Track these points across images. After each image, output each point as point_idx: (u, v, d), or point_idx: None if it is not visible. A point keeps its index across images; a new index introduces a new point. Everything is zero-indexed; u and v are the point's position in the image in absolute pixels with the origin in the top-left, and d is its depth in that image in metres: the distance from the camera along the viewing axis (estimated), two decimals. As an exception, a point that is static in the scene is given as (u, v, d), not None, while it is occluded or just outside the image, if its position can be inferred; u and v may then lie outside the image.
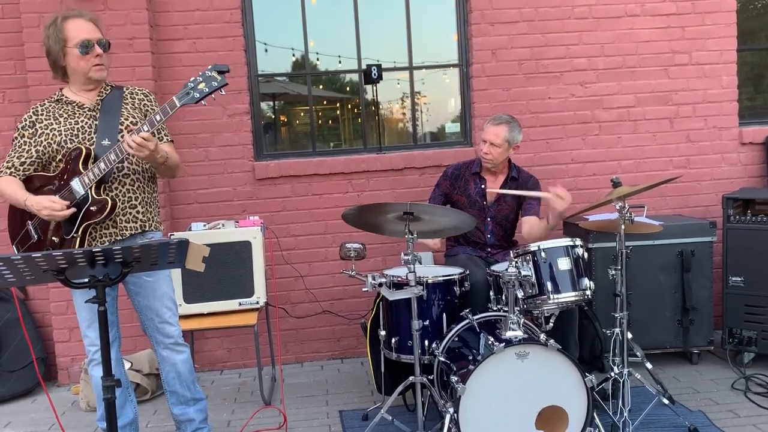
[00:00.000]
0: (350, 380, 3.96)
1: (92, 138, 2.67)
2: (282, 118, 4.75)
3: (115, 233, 2.71)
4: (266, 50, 4.41)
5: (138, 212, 2.75)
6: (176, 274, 3.48)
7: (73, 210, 2.58)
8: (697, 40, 4.40)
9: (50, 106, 2.73)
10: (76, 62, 2.66)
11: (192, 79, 2.59)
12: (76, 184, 2.60)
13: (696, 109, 4.43)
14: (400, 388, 3.00)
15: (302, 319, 4.30)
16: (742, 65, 4.59)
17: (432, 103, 4.63)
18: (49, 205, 2.54)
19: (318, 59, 4.52)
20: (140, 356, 3.89)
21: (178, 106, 2.56)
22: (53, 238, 2.65)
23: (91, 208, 2.61)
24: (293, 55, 4.49)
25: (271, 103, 4.73)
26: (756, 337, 3.70)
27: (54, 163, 2.69)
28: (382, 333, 3.21)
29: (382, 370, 3.31)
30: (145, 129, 2.55)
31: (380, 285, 2.91)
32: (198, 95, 2.55)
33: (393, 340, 3.14)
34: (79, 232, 2.63)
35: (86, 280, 2.07)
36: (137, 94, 2.84)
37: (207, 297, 3.56)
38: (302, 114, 4.59)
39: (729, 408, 3.30)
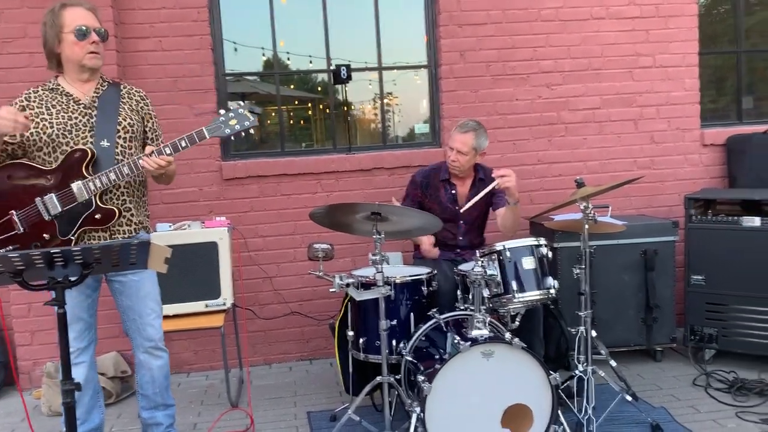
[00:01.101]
0: (319, 381, 3.95)
1: (86, 137, 2.62)
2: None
3: (107, 237, 2.68)
4: (236, 49, 4.38)
5: (132, 215, 2.75)
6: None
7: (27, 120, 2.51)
8: (660, 43, 4.49)
9: (44, 94, 2.67)
10: (70, 48, 2.62)
11: (223, 112, 2.65)
12: (78, 188, 2.57)
13: (660, 111, 4.52)
14: (367, 389, 2.99)
15: (270, 320, 4.27)
16: (705, 68, 4.70)
17: (404, 104, 4.64)
18: (5, 115, 2.44)
19: (289, 59, 4.50)
20: (104, 359, 3.83)
21: (207, 137, 2.62)
22: (44, 235, 2.59)
23: (96, 216, 2.61)
24: (263, 55, 4.46)
25: (241, 103, 4.68)
26: (716, 335, 3.79)
27: (40, 155, 2.62)
28: (350, 333, 3.20)
29: (350, 370, 3.30)
30: (168, 152, 2.59)
31: (347, 285, 2.91)
32: (228, 131, 2.62)
33: (361, 341, 3.13)
34: (75, 235, 2.60)
35: (45, 282, 2.03)
36: (134, 95, 2.81)
37: (173, 299, 3.50)
38: (273, 114, 4.56)
39: (690, 404, 3.36)
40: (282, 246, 4.26)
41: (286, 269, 4.27)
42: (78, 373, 2.68)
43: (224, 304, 3.60)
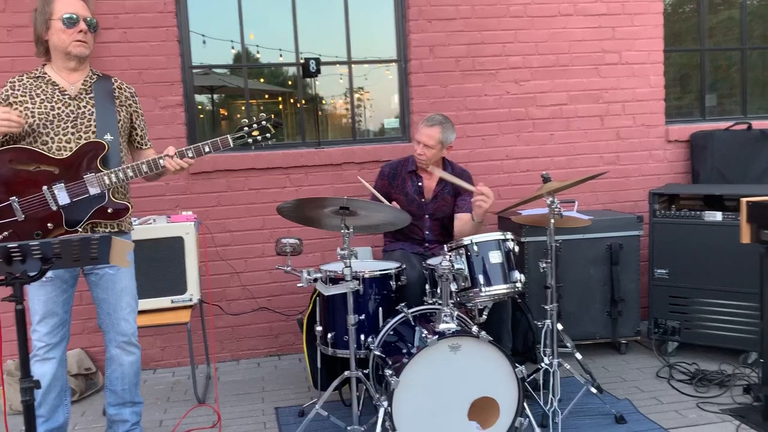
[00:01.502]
0: (287, 377, 3.93)
1: (67, 128, 2.59)
2: (222, 111, 4.66)
3: (114, 229, 2.70)
4: (204, 42, 4.32)
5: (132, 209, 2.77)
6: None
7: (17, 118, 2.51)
8: (626, 41, 4.55)
9: (28, 82, 2.62)
10: (57, 36, 2.58)
11: (247, 122, 2.72)
12: (91, 181, 2.56)
13: (625, 108, 4.59)
14: (335, 383, 2.99)
15: (238, 316, 4.24)
16: (671, 66, 4.78)
17: (375, 99, 4.63)
18: (6, 117, 2.45)
19: (258, 52, 4.45)
20: (68, 356, 3.72)
21: (231, 146, 2.69)
22: (48, 224, 2.55)
23: (108, 210, 2.61)
24: (232, 48, 4.41)
25: (210, 96, 4.64)
26: (679, 327, 3.87)
27: (22, 143, 2.57)
28: (319, 329, 3.19)
29: (319, 365, 3.29)
30: (190, 155, 2.65)
31: (315, 280, 2.90)
32: (251, 141, 2.72)
33: (329, 336, 3.12)
34: (82, 228, 2.59)
35: (2, 277, 1.98)
36: (125, 90, 2.80)
37: (138, 294, 3.44)
38: (243, 108, 4.52)
39: (653, 395, 3.43)
40: (250, 241, 4.22)
41: (255, 264, 4.23)
42: (46, 370, 2.63)
43: (191, 300, 3.56)
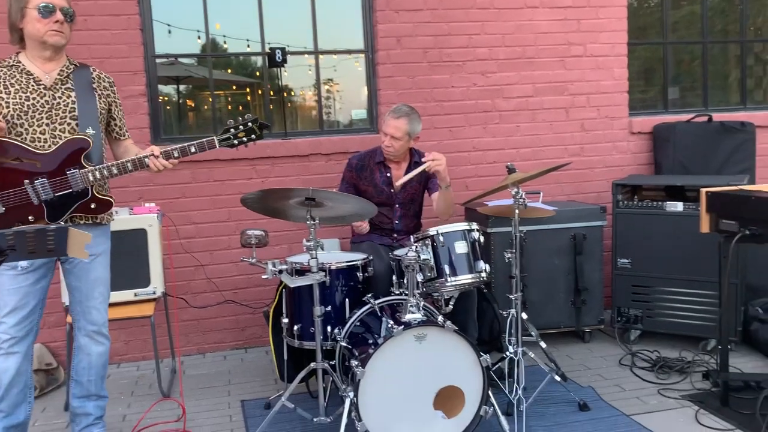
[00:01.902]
0: (254, 369, 3.90)
1: (41, 119, 2.55)
2: (189, 102, 4.59)
3: (97, 223, 2.69)
4: (170, 31, 4.24)
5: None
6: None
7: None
8: (591, 33, 4.60)
9: (2, 71, 2.57)
10: (32, 24, 2.53)
11: (233, 123, 2.69)
12: (75, 176, 2.53)
13: (590, 100, 4.64)
14: (301, 375, 2.97)
15: (204, 309, 4.19)
16: (636, 59, 4.85)
17: (345, 91, 4.61)
18: None
19: (225, 42, 4.39)
20: (27, 352, 3.66)
21: (217, 147, 2.68)
22: (29, 217, 2.50)
23: (91, 205, 2.59)
24: (198, 38, 4.33)
25: (176, 86, 4.56)
26: (642, 315, 3.94)
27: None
28: (285, 321, 3.17)
29: (285, 358, 3.28)
30: (176, 155, 2.65)
31: (281, 272, 2.88)
32: (237, 143, 2.71)
33: (295, 328, 3.11)
34: (64, 221, 2.55)
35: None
36: (104, 80, 2.76)
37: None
38: (211, 98, 4.45)
39: (616, 383, 3.49)
40: (215, 233, 4.17)
41: (220, 257, 4.19)
42: (10, 364, 2.57)
43: (154, 293, 3.51)
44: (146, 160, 2.61)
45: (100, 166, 2.57)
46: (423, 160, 3.33)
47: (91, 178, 2.55)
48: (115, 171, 2.58)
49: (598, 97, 4.64)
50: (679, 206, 3.81)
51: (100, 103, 2.70)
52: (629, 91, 4.73)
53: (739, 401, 3.09)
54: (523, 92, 4.53)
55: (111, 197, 2.68)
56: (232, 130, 2.70)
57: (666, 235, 3.82)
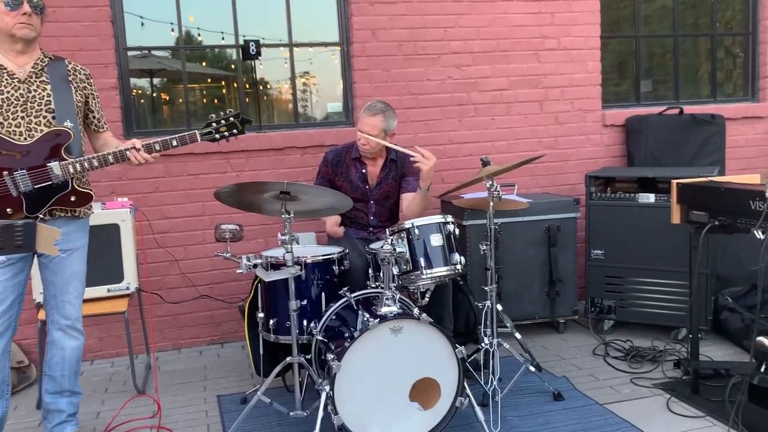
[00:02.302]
0: (230, 365, 3.89)
1: (17, 112, 2.51)
2: (164, 95, 4.53)
3: (76, 216, 2.68)
4: (142, 24, 4.18)
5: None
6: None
7: None
8: (564, 26, 4.63)
9: None
10: (0, 18, 2.49)
11: (215, 117, 2.69)
12: (55, 169, 2.50)
13: (564, 93, 4.68)
14: (277, 370, 2.97)
15: (179, 304, 4.16)
16: (609, 53, 4.90)
17: (321, 84, 4.58)
18: None
19: (199, 35, 4.34)
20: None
21: (199, 141, 2.68)
22: (7, 209, 2.48)
23: (71, 198, 2.58)
24: (172, 31, 4.28)
25: (149, 79, 4.50)
26: (615, 306, 4.00)
27: None
28: (261, 315, 3.16)
29: (261, 352, 3.27)
30: (157, 148, 2.65)
31: (255, 266, 2.86)
32: (218, 137, 2.71)
33: (271, 322, 3.10)
34: (43, 214, 2.53)
35: None
36: (80, 72, 2.73)
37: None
38: (184, 91, 4.40)
39: (590, 372, 3.54)
40: (190, 228, 4.14)
41: (195, 251, 4.16)
42: None
43: (128, 289, 3.47)
44: (127, 153, 2.60)
45: (81, 158, 2.56)
46: (415, 149, 3.26)
47: (71, 171, 2.53)
48: (96, 163, 2.56)
49: (571, 90, 4.69)
50: (651, 198, 3.86)
51: (77, 96, 2.67)
52: (603, 84, 4.78)
53: (709, 389, 3.15)
54: (498, 85, 4.55)
55: (91, 190, 2.67)
56: (214, 124, 2.70)
57: (638, 226, 3.87)
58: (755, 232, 2.70)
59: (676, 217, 3.21)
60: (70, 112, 2.61)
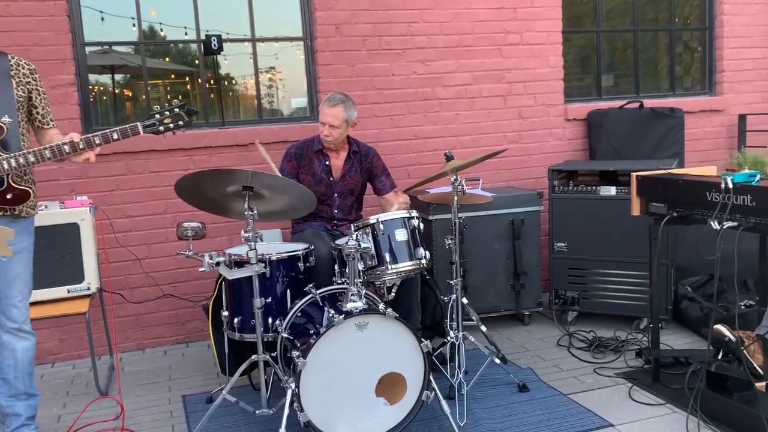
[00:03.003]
0: (195, 364, 3.84)
1: None
2: (127, 92, 4.44)
3: (16, 215, 2.60)
4: (102, 18, 4.09)
5: (35, 195, 2.67)
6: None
7: None
8: (527, 21, 4.67)
9: None
10: None
11: (159, 108, 2.61)
12: None
13: (527, 87, 4.72)
14: (241, 368, 2.94)
15: (142, 304, 4.09)
16: (573, 48, 4.95)
17: (287, 79, 4.54)
18: None
19: (162, 30, 4.27)
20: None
21: (141, 134, 2.59)
22: None
23: (7, 195, 2.51)
24: (134, 26, 4.19)
25: (111, 75, 4.41)
26: (578, 297, 4.06)
27: None
28: (225, 314, 3.13)
29: (226, 351, 3.23)
30: (97, 142, 2.56)
31: (218, 264, 2.83)
32: (162, 129, 2.63)
33: (236, 320, 3.07)
34: None
35: None
36: (23, 67, 2.65)
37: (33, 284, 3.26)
38: (149, 88, 4.32)
39: (554, 363, 3.59)
40: (152, 226, 4.07)
41: (158, 250, 4.09)
42: None
43: (89, 289, 3.40)
44: (65, 147, 2.53)
45: (16, 153, 2.49)
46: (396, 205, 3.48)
47: (5, 167, 2.46)
48: (32, 159, 2.49)
49: (534, 84, 4.73)
50: (612, 190, 3.93)
51: (18, 91, 2.59)
52: (566, 78, 4.83)
53: (670, 377, 3.21)
54: (462, 80, 4.57)
55: (30, 188, 2.59)
56: (157, 116, 2.63)
57: (600, 218, 3.93)
58: (711, 222, 2.76)
59: (636, 209, 3.27)
60: (10, 107, 2.54)
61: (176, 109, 2.64)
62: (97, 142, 2.57)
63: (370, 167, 3.67)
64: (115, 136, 2.57)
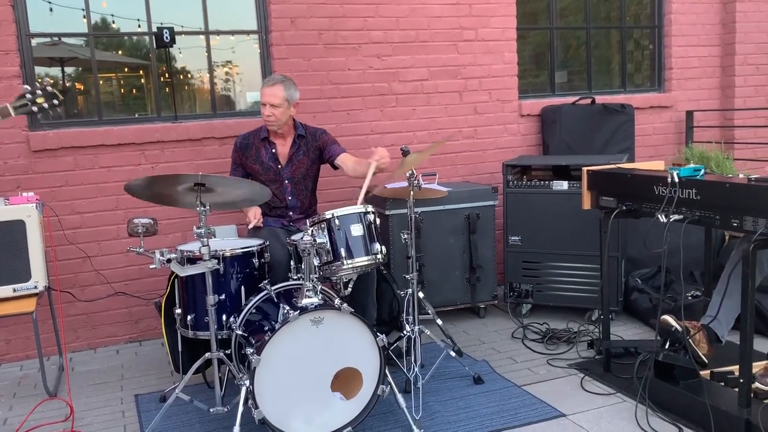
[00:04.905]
0: (149, 363, 3.77)
1: None
2: (78, 85, 4.31)
3: None
4: (51, 9, 3.96)
5: None
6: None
7: None
8: (482, 17, 4.71)
9: None
10: None
11: (28, 89, 2.48)
12: None
13: (482, 83, 4.76)
14: (195, 366, 2.90)
15: (93, 302, 3.99)
16: (528, 44, 5.01)
17: (245, 73, 4.48)
18: None
19: (114, 22, 4.15)
20: None
21: (12, 116, 2.47)
22: None
23: None
24: (85, 17, 4.07)
25: (60, 68, 4.27)
26: (532, 290, 4.12)
27: None
28: (178, 311, 3.08)
29: (180, 349, 3.18)
30: None
31: (169, 261, 2.78)
32: (36, 109, 2.51)
33: (189, 318, 3.03)
34: None
35: None
36: None
37: (-26, 284, 3.16)
38: (101, 81, 4.20)
39: (509, 355, 3.64)
40: (102, 223, 3.98)
41: (109, 247, 4.00)
42: None
43: (36, 288, 3.30)
44: None
45: None
46: (372, 158, 3.24)
47: None
48: None
49: (489, 80, 4.78)
50: (564, 185, 4.00)
51: None
52: (521, 75, 4.89)
53: (620, 366, 3.29)
54: (419, 75, 4.59)
55: None
56: (29, 95, 2.53)
57: (553, 212, 4.00)
58: (659, 216, 2.84)
59: (587, 203, 3.33)
60: None
61: (48, 87, 2.55)
62: None
63: (319, 145, 3.64)
64: None
